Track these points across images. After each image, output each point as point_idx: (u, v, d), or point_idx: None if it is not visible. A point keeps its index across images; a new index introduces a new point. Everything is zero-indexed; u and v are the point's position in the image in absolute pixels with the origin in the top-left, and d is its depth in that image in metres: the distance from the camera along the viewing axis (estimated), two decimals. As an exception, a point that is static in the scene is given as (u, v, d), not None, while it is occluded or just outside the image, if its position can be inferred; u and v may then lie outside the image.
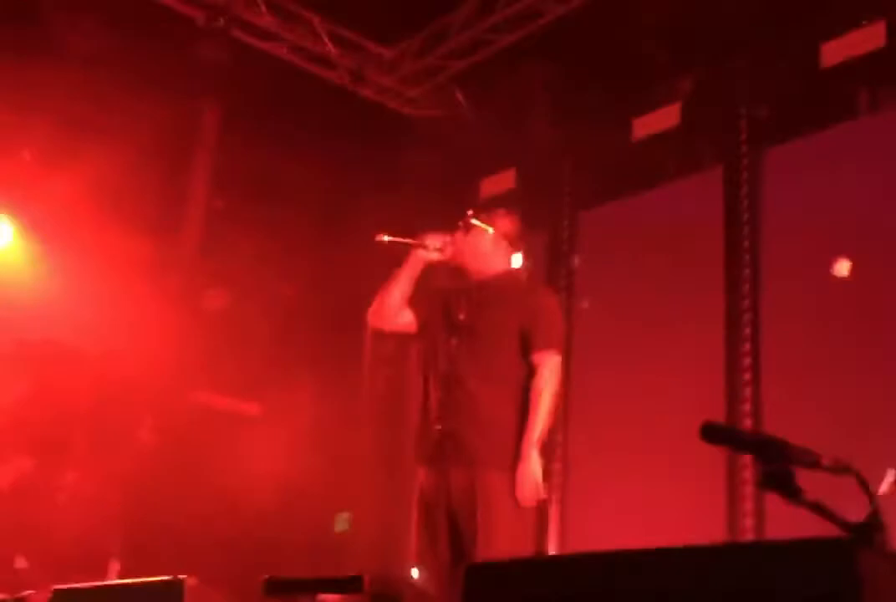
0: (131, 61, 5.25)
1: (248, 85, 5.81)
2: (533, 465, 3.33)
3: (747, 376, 4.88)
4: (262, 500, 5.01)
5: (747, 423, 4.68)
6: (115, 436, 5.10)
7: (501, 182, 5.91)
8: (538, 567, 2.23)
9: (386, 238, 3.67)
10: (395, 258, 3.75)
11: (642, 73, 5.40)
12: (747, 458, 4.63)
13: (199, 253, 5.86)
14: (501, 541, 3.29)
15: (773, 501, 4.44)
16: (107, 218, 5.36)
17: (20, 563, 4.53)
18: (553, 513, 5.37)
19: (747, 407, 4.77)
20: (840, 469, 1.63)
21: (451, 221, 3.84)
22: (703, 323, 5.10)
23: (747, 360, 4.91)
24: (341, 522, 5.69)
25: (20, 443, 4.94)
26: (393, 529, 5.56)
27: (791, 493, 1.62)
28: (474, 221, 3.74)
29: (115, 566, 4.99)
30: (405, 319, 3.74)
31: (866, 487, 1.56)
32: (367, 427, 5.82)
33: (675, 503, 4.73)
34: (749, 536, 4.50)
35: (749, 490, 4.66)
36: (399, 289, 3.69)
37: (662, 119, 5.41)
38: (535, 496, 3.33)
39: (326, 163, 6.02)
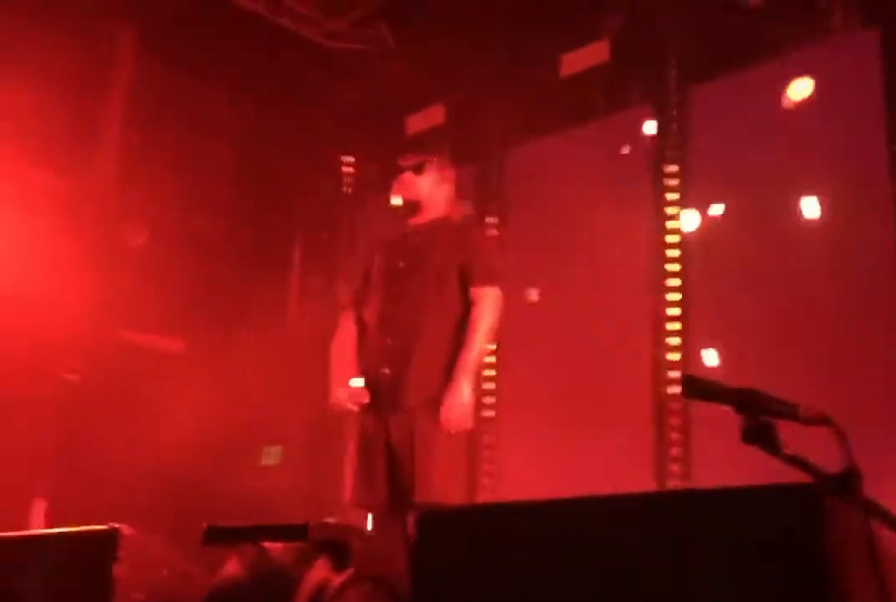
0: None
1: (162, 11, 5.56)
2: (463, 391, 3.36)
3: (675, 324, 4.96)
4: (188, 438, 4.95)
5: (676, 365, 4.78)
6: (37, 378, 4.95)
7: (429, 118, 5.81)
8: (487, 514, 2.26)
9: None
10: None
11: (573, 7, 5.35)
12: (676, 405, 4.76)
13: (116, 187, 5.66)
14: (437, 479, 3.33)
15: (700, 447, 4.59)
16: (15, 150, 5.12)
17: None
18: (485, 457, 5.45)
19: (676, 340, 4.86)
20: (818, 420, 1.65)
21: (376, 157, 3.80)
22: (629, 260, 5.16)
23: (673, 310, 4.99)
24: (271, 456, 5.66)
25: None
26: (324, 469, 5.59)
27: (773, 447, 1.63)
28: (421, 166, 3.76)
29: (41, 507, 4.90)
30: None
31: (843, 439, 1.58)
32: (297, 365, 5.77)
33: (604, 448, 4.80)
34: (676, 483, 4.61)
35: (675, 436, 4.77)
36: None
37: (591, 55, 5.39)
38: (462, 422, 3.35)
39: (246, 95, 5.83)
